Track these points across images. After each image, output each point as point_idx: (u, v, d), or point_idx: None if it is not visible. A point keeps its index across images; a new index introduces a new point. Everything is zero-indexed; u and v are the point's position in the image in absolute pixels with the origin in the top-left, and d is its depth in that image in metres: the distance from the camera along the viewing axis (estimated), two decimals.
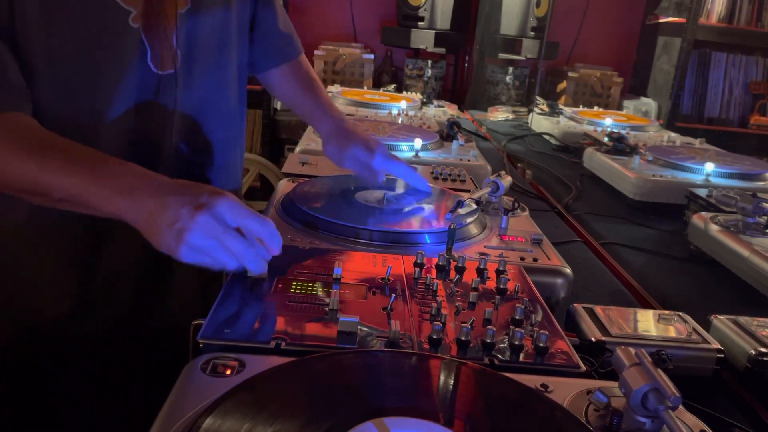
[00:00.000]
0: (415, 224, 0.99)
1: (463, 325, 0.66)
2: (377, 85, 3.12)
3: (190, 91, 0.92)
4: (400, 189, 1.15)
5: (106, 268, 0.90)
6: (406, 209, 1.05)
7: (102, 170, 0.73)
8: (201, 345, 0.62)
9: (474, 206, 1.05)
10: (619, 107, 2.89)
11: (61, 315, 0.88)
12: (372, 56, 3.09)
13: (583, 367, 0.64)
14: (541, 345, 0.66)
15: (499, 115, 2.82)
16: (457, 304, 0.74)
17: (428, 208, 1.07)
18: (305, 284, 0.75)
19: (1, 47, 0.75)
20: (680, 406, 0.54)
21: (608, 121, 2.31)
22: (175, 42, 0.88)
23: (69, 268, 0.88)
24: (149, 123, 0.89)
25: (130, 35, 0.83)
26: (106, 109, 0.84)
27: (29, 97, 0.78)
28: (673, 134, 2.19)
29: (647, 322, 0.81)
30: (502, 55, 3.13)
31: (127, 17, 0.82)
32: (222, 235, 0.69)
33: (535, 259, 0.92)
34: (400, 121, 2.01)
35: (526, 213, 1.14)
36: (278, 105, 3.03)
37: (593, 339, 0.75)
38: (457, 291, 0.78)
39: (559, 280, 0.89)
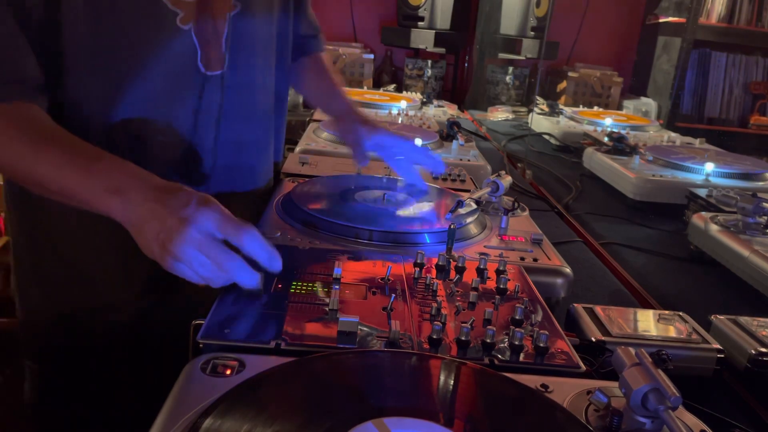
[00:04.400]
0: (415, 224, 0.99)
1: (463, 325, 0.66)
2: (377, 85, 3.12)
3: (235, 93, 0.94)
4: (400, 189, 1.15)
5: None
6: (406, 209, 1.05)
7: (95, 166, 0.73)
8: (201, 345, 0.62)
9: (474, 206, 1.05)
10: (619, 107, 2.89)
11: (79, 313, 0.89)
12: (372, 56, 3.08)
13: (583, 367, 0.64)
14: (541, 345, 0.66)
15: (499, 115, 2.82)
16: (457, 304, 0.74)
17: (428, 208, 1.07)
18: (305, 284, 0.75)
19: (23, 39, 0.76)
20: (680, 406, 0.54)
21: (608, 121, 2.31)
22: (223, 45, 0.89)
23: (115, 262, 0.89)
24: (195, 123, 0.90)
25: (179, 36, 0.84)
26: (155, 112, 0.85)
27: (45, 91, 0.79)
28: (673, 134, 2.19)
29: (647, 322, 0.81)
30: (502, 55, 3.13)
31: (175, 18, 0.83)
32: (207, 250, 0.67)
33: (535, 259, 0.92)
34: (400, 121, 2.01)
35: (526, 213, 1.14)
36: None
37: (593, 339, 0.75)
38: (457, 291, 0.78)
39: (559, 280, 0.89)
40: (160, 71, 0.84)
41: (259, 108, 1.02)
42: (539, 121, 2.44)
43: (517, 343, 0.66)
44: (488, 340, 0.66)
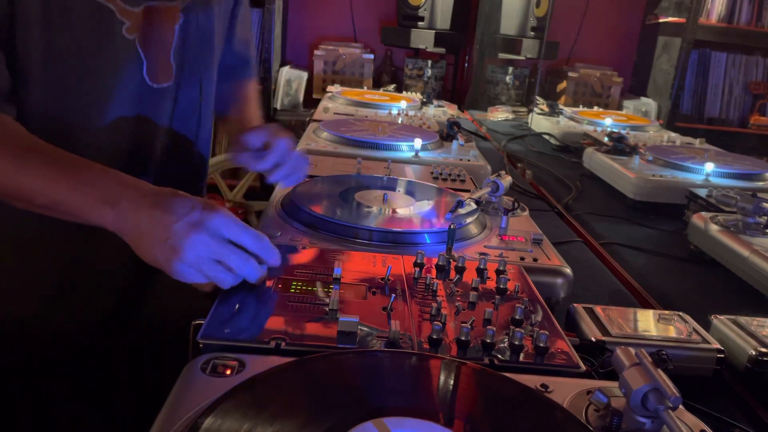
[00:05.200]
0: (415, 224, 0.99)
1: (463, 325, 0.66)
2: (377, 85, 3.12)
3: (181, 102, 0.93)
4: (400, 189, 1.15)
5: (97, 267, 0.90)
6: (406, 209, 1.05)
7: (84, 177, 0.72)
8: (201, 345, 0.62)
9: (474, 206, 1.05)
10: (619, 107, 2.89)
11: (58, 311, 0.88)
12: (372, 56, 3.09)
13: (583, 367, 0.64)
14: (541, 345, 0.66)
15: (499, 115, 2.82)
16: (457, 304, 0.74)
17: (428, 208, 1.07)
18: (305, 284, 0.75)
19: None
20: (680, 406, 0.54)
21: (608, 121, 2.31)
22: (172, 57, 0.88)
23: (55, 265, 0.88)
24: (140, 133, 0.90)
25: (125, 46, 0.83)
26: (98, 117, 0.84)
27: (13, 100, 0.78)
28: (673, 134, 2.19)
29: (647, 322, 0.81)
30: (502, 55, 3.13)
31: (121, 28, 0.82)
32: (219, 251, 0.68)
33: (535, 259, 0.92)
34: (400, 121, 2.01)
35: (526, 213, 1.14)
36: (278, 105, 3.03)
37: (593, 339, 0.75)
38: (457, 291, 0.78)
39: (559, 280, 0.89)
40: (105, 80, 0.83)
41: (204, 120, 1.00)
42: (539, 121, 2.44)
43: (517, 343, 0.66)
44: (488, 340, 0.66)
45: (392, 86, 3.02)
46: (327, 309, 0.69)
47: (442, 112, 2.37)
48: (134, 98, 0.87)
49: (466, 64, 3.34)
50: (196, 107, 0.98)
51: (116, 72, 0.84)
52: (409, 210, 1.05)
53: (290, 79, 3.03)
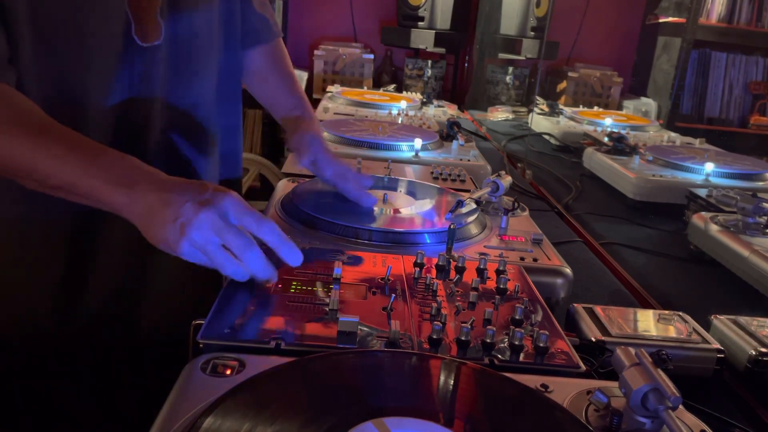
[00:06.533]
0: (415, 224, 0.99)
1: (463, 325, 0.66)
2: (377, 85, 3.12)
3: (175, 64, 0.90)
4: (400, 189, 1.15)
5: (97, 266, 0.90)
6: (406, 209, 1.05)
7: (101, 160, 0.72)
8: (201, 345, 0.62)
9: (474, 206, 1.05)
10: (619, 107, 2.89)
11: (56, 312, 0.88)
12: (372, 56, 3.09)
13: (583, 367, 0.64)
14: (541, 345, 0.66)
15: (499, 115, 2.82)
16: (457, 304, 0.74)
17: (428, 208, 1.07)
18: (305, 284, 0.75)
19: None
20: (680, 406, 0.54)
21: (608, 121, 2.31)
22: (158, 14, 0.87)
23: (56, 265, 0.88)
24: (136, 98, 0.87)
25: (111, 6, 0.81)
26: (92, 84, 0.83)
27: (13, 68, 0.77)
28: (673, 134, 2.19)
29: (647, 322, 0.81)
30: (502, 55, 3.13)
31: None
32: (224, 232, 0.68)
33: (535, 259, 0.92)
34: (400, 121, 2.01)
35: (526, 213, 1.14)
36: None
37: (593, 339, 0.75)
38: (457, 291, 0.78)
39: (559, 280, 0.89)
40: (93, 43, 0.81)
41: (205, 85, 0.97)
42: (539, 121, 2.44)
43: (517, 343, 0.66)
44: (488, 340, 0.66)
45: (392, 86, 3.02)
46: (327, 309, 0.69)
47: (442, 112, 2.37)
48: (125, 61, 0.84)
49: (466, 64, 3.34)
50: (193, 66, 0.94)
51: (107, 33, 0.82)
52: (410, 210, 1.05)
53: None
